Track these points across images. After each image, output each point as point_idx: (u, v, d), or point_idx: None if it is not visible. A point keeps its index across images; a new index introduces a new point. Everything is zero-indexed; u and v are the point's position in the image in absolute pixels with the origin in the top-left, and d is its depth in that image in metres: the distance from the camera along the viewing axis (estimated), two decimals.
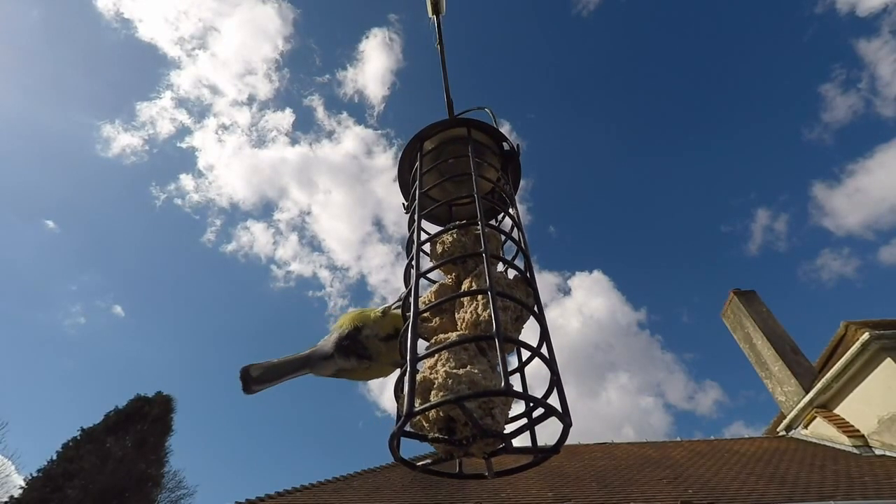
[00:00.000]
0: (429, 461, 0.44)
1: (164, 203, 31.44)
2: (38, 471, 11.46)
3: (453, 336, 0.46)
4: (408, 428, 0.40)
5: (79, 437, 12.21)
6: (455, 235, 0.59)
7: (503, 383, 0.35)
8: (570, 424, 0.38)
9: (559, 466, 5.77)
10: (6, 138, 26.26)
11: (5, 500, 11.17)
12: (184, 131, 33.18)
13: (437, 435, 0.39)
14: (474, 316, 0.48)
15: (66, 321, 28.04)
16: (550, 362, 0.42)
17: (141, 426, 12.85)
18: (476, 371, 0.41)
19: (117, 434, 12.45)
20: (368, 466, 5.78)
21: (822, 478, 4.87)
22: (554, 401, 0.40)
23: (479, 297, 0.49)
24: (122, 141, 30.07)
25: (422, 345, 0.50)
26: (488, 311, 0.45)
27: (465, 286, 0.54)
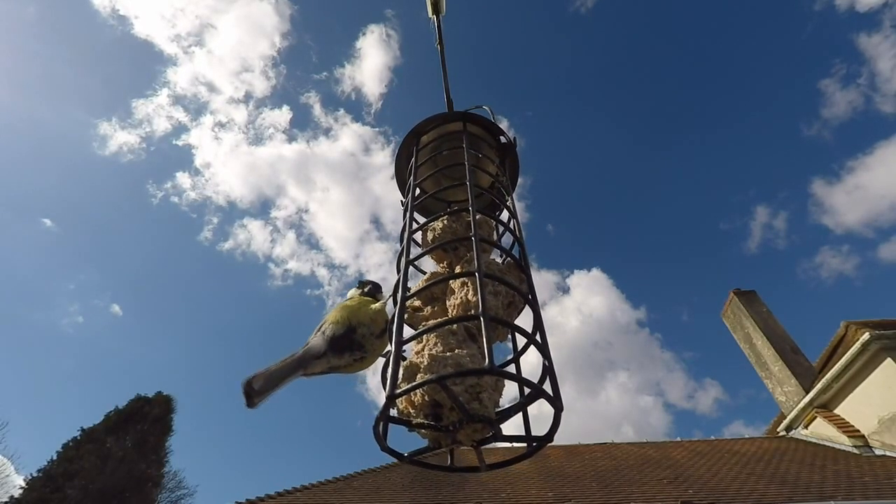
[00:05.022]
0: (415, 452, 0.42)
1: (161, 201, 31.48)
2: (38, 471, 11.45)
3: (431, 323, 0.46)
4: (394, 413, 0.39)
5: (79, 437, 12.20)
6: (446, 222, 0.59)
7: (487, 363, 0.34)
8: (562, 409, 0.37)
9: (559, 466, 5.76)
10: (3, 137, 26.32)
11: (5, 500, 11.17)
12: (180, 129, 33.22)
13: (422, 420, 0.38)
14: (464, 301, 0.48)
15: (64, 320, 28.09)
16: (543, 348, 0.41)
17: (141, 426, 12.84)
18: (463, 354, 0.40)
19: (117, 434, 12.44)
20: (368, 466, 5.78)
21: (822, 478, 4.86)
22: (546, 388, 0.39)
23: (470, 283, 0.48)
24: (119, 139, 30.15)
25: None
26: (478, 295, 0.45)
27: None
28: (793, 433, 7.09)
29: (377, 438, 0.36)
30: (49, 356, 26.75)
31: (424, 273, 0.62)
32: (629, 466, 5.76)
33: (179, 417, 14.16)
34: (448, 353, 0.40)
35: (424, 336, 0.43)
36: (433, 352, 0.41)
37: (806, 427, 6.87)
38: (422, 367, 0.40)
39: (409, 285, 0.49)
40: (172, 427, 13.56)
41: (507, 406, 0.44)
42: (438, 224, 0.59)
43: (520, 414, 0.43)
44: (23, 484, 11.35)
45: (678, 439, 7.25)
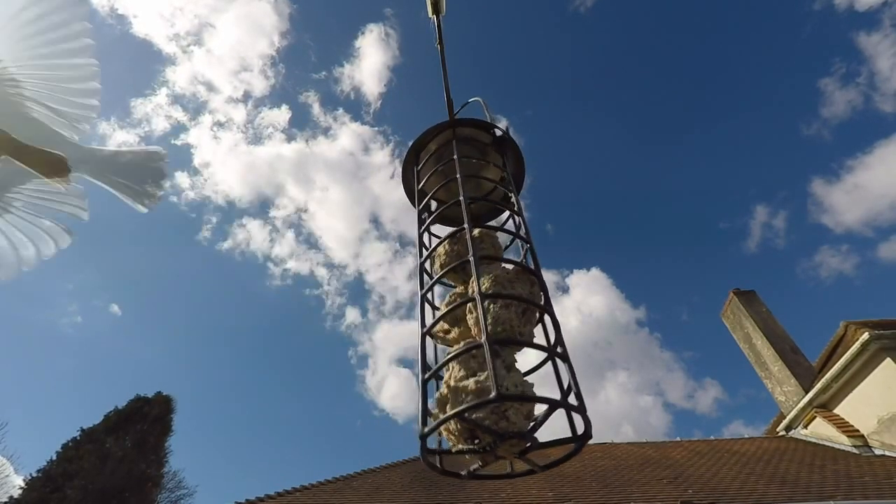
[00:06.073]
0: (474, 467, 0.43)
1: (160, 201, 31.40)
2: (38, 471, 11.44)
3: (453, 349, 0.46)
4: (433, 446, 0.40)
5: (79, 437, 12.19)
6: (447, 246, 0.58)
7: (494, 391, 0.35)
8: (588, 420, 0.38)
9: (559, 466, 5.76)
10: None
11: (5, 500, 11.16)
12: (179, 128, 33.05)
13: (462, 446, 0.39)
14: (477, 321, 0.48)
15: (63, 320, 28.01)
16: (565, 358, 0.41)
17: (141, 426, 12.83)
18: (481, 379, 0.41)
19: (117, 434, 12.43)
20: (368, 466, 5.79)
21: (822, 478, 4.87)
22: (570, 400, 0.40)
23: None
24: (118, 138, 30.00)
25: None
26: (480, 320, 0.45)
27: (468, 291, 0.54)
28: (792, 433, 7.12)
29: (431, 468, 0.39)
30: (49, 356, 26.69)
31: (453, 286, 0.61)
32: (629, 466, 5.77)
33: (179, 417, 14.17)
34: (469, 381, 0.41)
35: (449, 363, 0.44)
36: (453, 381, 0.42)
37: (805, 427, 6.89)
38: (449, 398, 0.41)
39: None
40: (172, 427, 13.56)
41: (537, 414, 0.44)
42: (441, 250, 0.58)
43: (562, 412, 0.41)
44: (22, 484, 11.34)
45: (678, 439, 7.28)
